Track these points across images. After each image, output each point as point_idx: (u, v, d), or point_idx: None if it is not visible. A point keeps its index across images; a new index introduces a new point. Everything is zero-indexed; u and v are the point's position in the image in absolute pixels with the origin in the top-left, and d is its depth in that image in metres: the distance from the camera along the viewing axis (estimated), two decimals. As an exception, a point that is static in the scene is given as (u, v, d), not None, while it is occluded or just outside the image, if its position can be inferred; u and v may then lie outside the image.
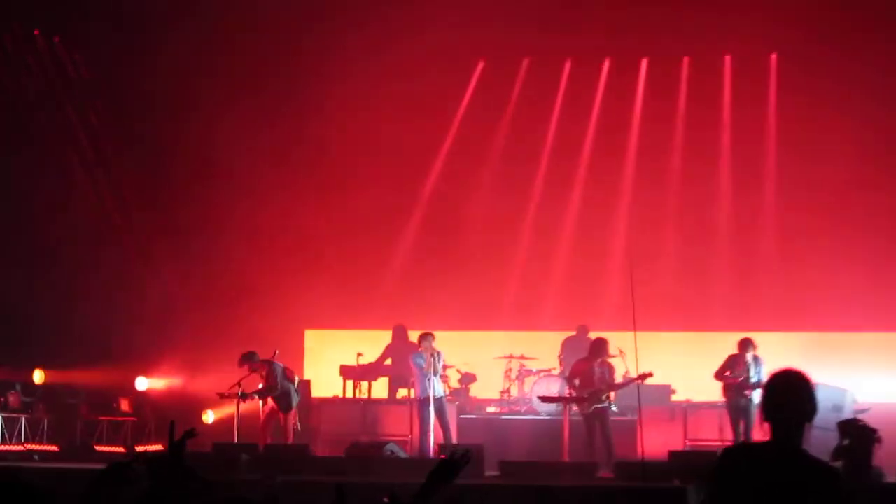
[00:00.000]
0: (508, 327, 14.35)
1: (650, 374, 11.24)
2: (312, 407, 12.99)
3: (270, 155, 13.08)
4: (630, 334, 10.18)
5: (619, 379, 11.80)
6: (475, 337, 14.26)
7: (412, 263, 14.39)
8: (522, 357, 13.89)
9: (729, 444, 9.34)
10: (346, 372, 13.58)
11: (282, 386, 11.67)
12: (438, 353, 11.23)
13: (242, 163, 12.88)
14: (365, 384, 13.55)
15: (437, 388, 11.26)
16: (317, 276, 13.63)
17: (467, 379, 13.66)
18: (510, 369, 13.89)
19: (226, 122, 12.56)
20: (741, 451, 4.21)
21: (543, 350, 13.85)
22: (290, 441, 11.61)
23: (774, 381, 4.09)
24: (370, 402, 13.18)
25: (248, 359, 11.48)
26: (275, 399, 11.76)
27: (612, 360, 11.68)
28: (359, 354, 13.27)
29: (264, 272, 13.30)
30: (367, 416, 12.79)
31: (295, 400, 11.86)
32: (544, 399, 12.28)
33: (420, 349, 11.25)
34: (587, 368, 11.53)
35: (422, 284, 13.86)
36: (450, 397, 12.62)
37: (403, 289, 14.21)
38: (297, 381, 11.94)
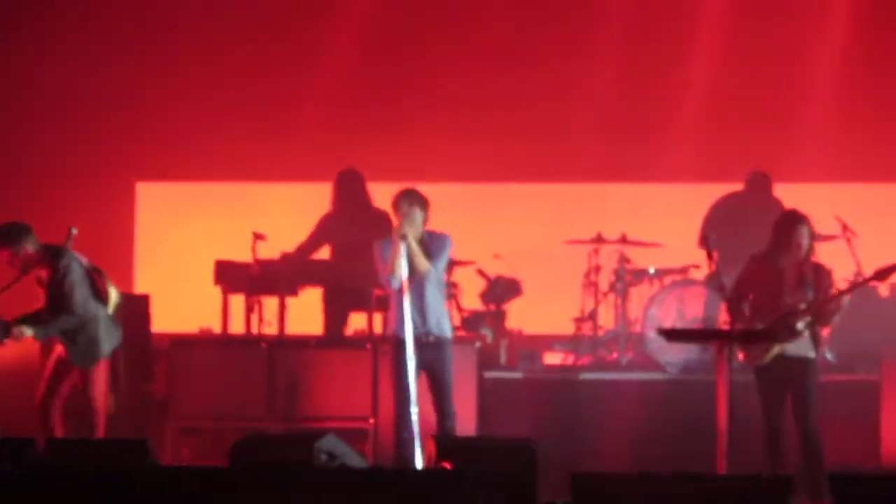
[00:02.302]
0: (579, 175, 13.55)
1: (897, 268, 10.21)
2: (157, 356, 11.66)
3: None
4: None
5: (841, 286, 10.13)
6: (511, 193, 13.70)
7: (366, 50, 13.60)
8: (624, 241, 12.02)
9: None
10: (227, 276, 11.92)
11: (81, 310, 10.04)
12: (436, 237, 9.50)
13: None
14: (272, 304, 11.87)
15: (432, 317, 9.48)
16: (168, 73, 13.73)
17: (501, 290, 12.00)
18: (596, 267, 12.17)
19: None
20: None
21: (665, 227, 12.56)
22: (101, 431, 10.24)
23: None
24: (284, 346, 11.56)
25: (7, 241, 9.96)
26: (65, 339, 10.09)
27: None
28: (257, 237, 11.48)
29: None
30: (276, 378, 11.25)
31: (109, 342, 10.13)
32: (672, 335, 10.20)
33: (395, 228, 9.46)
34: (771, 270, 9.62)
35: (389, 88, 13.62)
36: (462, 334, 11.48)
37: (349, 97, 13.55)
38: (115, 299, 10.27)
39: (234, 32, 13.89)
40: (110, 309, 10.02)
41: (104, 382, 10.00)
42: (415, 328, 9.12)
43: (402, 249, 9.06)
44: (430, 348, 9.21)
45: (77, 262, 9.72)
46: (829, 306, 9.47)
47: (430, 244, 9.20)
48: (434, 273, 9.12)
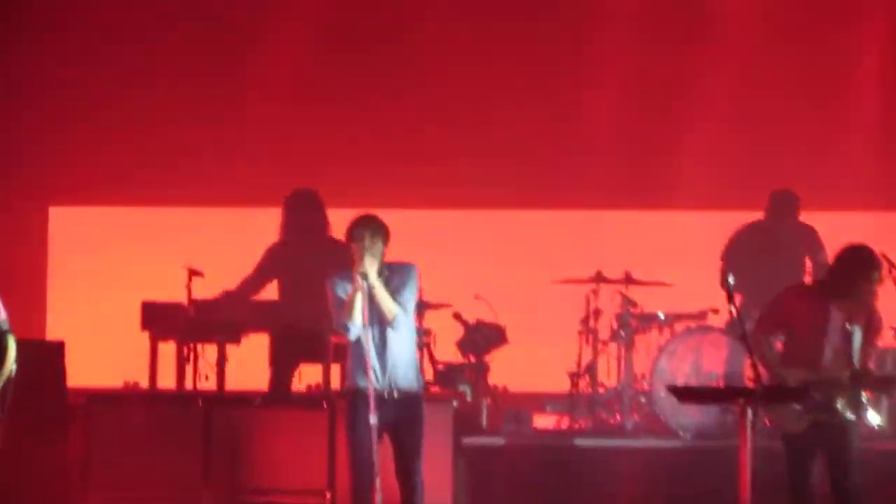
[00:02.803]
0: (575, 200, 13.44)
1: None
2: (72, 415, 11.04)
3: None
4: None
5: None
6: (494, 221, 13.48)
7: (322, 49, 13.55)
8: (629, 280, 11.64)
9: None
10: (157, 320, 11.40)
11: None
12: (397, 269, 8.99)
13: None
14: (210, 353, 11.32)
15: (399, 368, 9.00)
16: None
17: (482, 338, 11.70)
18: (595, 312, 11.81)
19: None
20: None
21: (677, 264, 12.27)
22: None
23: None
24: (224, 405, 11.07)
25: None
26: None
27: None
28: (192, 273, 11.03)
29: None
30: (214, 443, 10.76)
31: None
32: (686, 394, 9.60)
33: (354, 266, 8.90)
34: (817, 312, 9.29)
35: (348, 94, 13.45)
36: (435, 390, 11.42)
37: (301, 102, 13.39)
38: (9, 343, 9.28)
39: (161, 42, 13.45)
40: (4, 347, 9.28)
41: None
42: (377, 381, 8.44)
43: (363, 291, 8.43)
44: (395, 406, 8.56)
45: None
46: (873, 375, 9.14)
47: (391, 278, 8.58)
48: (401, 315, 8.59)
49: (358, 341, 8.59)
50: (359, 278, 8.45)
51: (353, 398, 8.60)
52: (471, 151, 13.15)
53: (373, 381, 8.54)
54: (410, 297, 8.73)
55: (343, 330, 8.61)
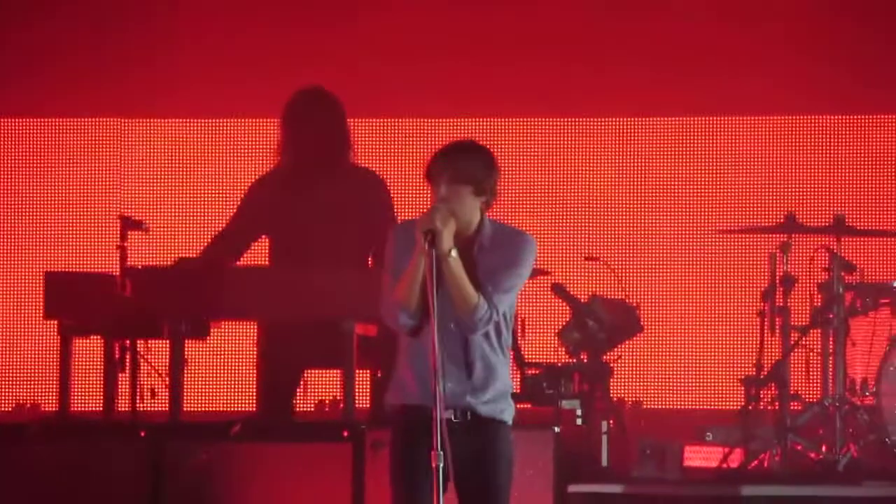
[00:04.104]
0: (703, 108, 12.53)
1: None
2: None
3: None
4: None
5: None
6: (611, 128, 12.48)
7: None
8: (842, 227, 10.44)
9: None
10: (69, 303, 9.56)
11: None
12: (507, 235, 7.34)
13: None
14: (159, 353, 9.53)
15: (478, 381, 7.49)
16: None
17: (598, 322, 10.40)
18: (785, 281, 10.15)
19: None
20: None
21: None
22: None
23: None
24: (181, 436, 9.54)
25: None
26: None
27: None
28: (126, 225, 9.31)
29: None
30: (166, 494, 9.37)
31: None
32: None
33: (421, 216, 7.25)
34: None
35: None
36: (526, 409, 9.90)
37: None
38: None
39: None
40: None
41: None
42: (445, 400, 7.13)
43: (432, 259, 7.06)
44: (465, 438, 7.08)
45: None
46: None
47: (489, 249, 7.17)
48: (484, 310, 7.19)
49: (416, 337, 7.20)
50: (422, 239, 6.91)
51: (405, 424, 7.12)
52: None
53: (441, 397, 7.02)
54: (513, 284, 7.20)
55: (393, 316, 7.13)
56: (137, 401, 9.20)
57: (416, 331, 7.20)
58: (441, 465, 6.94)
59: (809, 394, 9.94)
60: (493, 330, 7.25)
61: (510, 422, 7.30)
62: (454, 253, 7.04)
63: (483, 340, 7.22)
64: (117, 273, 9.01)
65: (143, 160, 11.99)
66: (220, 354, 10.56)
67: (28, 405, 10.66)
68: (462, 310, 7.20)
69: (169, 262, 9.51)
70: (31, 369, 10.83)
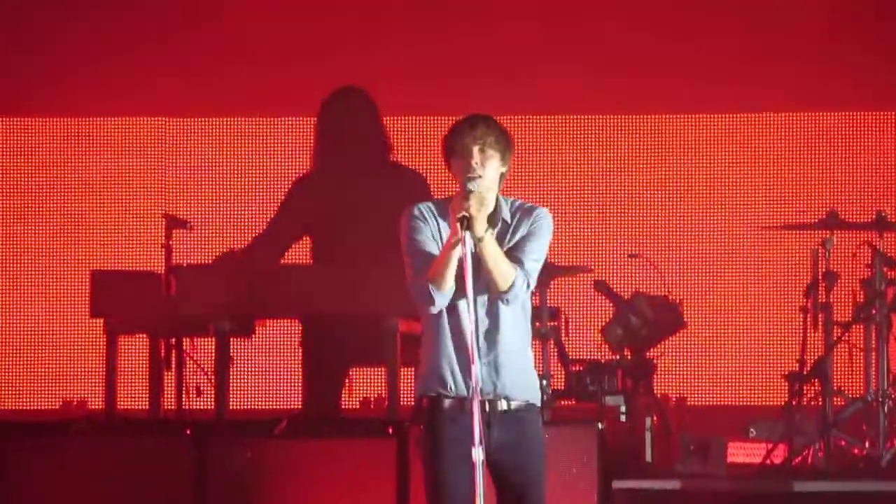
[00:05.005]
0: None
1: None
2: None
3: None
4: None
5: None
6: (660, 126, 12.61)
7: None
8: (883, 223, 10.44)
9: None
10: (115, 301, 9.73)
11: None
12: (526, 211, 7.41)
13: None
14: (204, 350, 9.75)
15: (509, 368, 7.50)
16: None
17: (641, 319, 10.57)
18: (828, 276, 10.35)
19: None
20: None
21: None
22: None
23: None
24: (226, 434, 9.54)
25: None
26: None
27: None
28: (172, 223, 9.55)
29: None
30: (209, 491, 9.36)
31: None
32: None
33: (455, 197, 7.36)
34: None
35: None
36: (569, 405, 10.22)
37: None
38: None
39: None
40: None
41: None
42: (479, 386, 6.99)
43: (466, 242, 6.97)
44: (504, 427, 7.08)
45: None
46: None
47: (513, 225, 7.17)
48: (521, 283, 7.18)
49: (443, 319, 7.07)
50: (457, 222, 6.86)
51: (437, 415, 6.99)
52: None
53: (478, 385, 6.90)
54: (541, 254, 7.14)
55: (424, 299, 6.99)
56: (183, 399, 9.39)
57: (446, 316, 7.18)
58: (481, 458, 6.78)
59: (852, 389, 10.00)
60: (520, 312, 7.22)
61: (540, 406, 7.26)
62: (489, 234, 7.09)
63: (514, 319, 7.19)
64: (162, 272, 9.18)
65: (188, 159, 12.16)
66: (266, 352, 10.67)
67: (74, 403, 10.73)
68: (501, 284, 7.16)
69: (213, 258, 9.66)
70: (77, 368, 10.85)
